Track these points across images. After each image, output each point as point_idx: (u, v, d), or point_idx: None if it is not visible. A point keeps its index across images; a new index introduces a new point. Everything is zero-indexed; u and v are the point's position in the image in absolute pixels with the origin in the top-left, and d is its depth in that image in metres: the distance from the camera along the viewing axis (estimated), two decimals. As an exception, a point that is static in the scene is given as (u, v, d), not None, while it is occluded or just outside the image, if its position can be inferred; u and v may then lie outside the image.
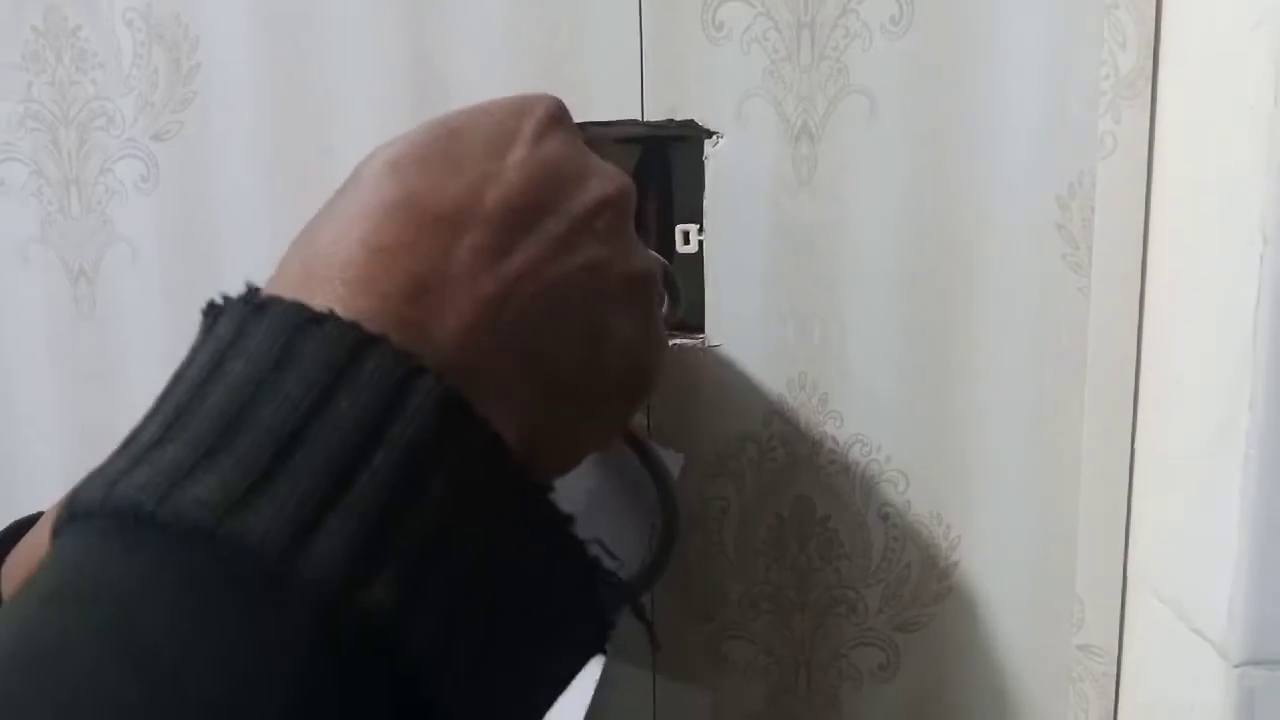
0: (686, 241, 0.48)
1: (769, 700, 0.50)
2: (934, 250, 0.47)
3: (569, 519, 0.27)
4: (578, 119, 0.46)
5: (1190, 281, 0.43)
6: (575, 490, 0.42)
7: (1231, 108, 0.39)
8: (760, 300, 0.48)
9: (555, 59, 0.46)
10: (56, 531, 0.24)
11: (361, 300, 0.26)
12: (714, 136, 0.47)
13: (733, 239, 0.47)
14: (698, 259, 0.48)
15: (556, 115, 0.33)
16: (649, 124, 0.47)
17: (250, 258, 0.48)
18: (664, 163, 0.53)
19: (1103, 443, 0.47)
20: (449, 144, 0.30)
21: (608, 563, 0.29)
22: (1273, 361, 0.37)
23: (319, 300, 0.26)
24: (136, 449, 0.24)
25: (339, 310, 0.25)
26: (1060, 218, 0.46)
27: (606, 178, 0.32)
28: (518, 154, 0.30)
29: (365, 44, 0.46)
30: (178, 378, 0.26)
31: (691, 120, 0.47)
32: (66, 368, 0.49)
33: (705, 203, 0.47)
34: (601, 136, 0.51)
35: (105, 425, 0.49)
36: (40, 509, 0.49)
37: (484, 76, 0.46)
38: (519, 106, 0.32)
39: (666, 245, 0.48)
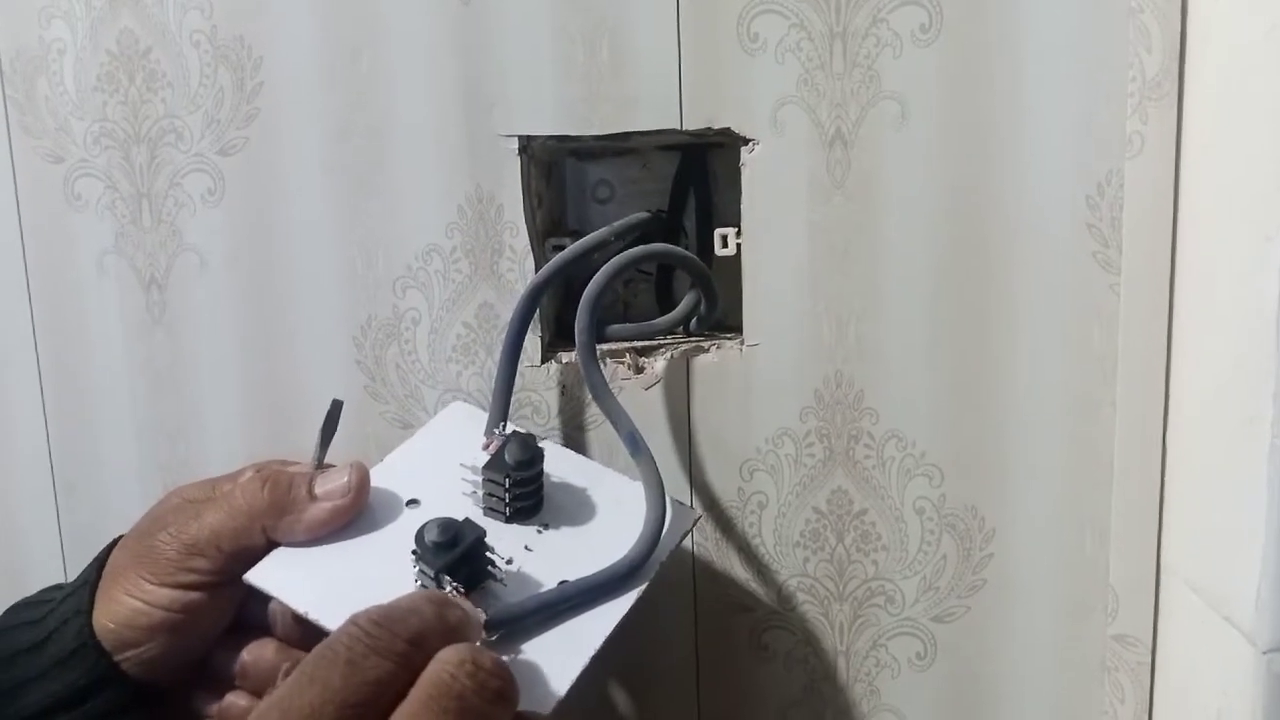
0: (725, 245, 0.50)
1: (808, 688, 0.51)
2: (966, 249, 0.48)
3: None
4: (621, 129, 0.49)
5: (1217, 277, 0.43)
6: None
7: (1252, 108, 0.40)
8: (797, 300, 0.49)
9: (598, 73, 0.48)
10: None
11: None
12: (750, 143, 0.48)
13: (770, 242, 0.49)
14: (735, 261, 0.50)
15: None
16: (688, 132, 0.49)
17: (310, 264, 0.51)
18: (702, 169, 0.54)
19: (1135, 436, 0.48)
20: None
21: None
22: (1297, 354, 0.37)
23: None
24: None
25: None
26: (1090, 217, 0.47)
27: None
28: None
29: (418, 63, 0.49)
30: None
31: (729, 128, 0.48)
32: (140, 370, 0.52)
33: (743, 207, 0.49)
34: (644, 145, 0.53)
35: (176, 423, 0.52)
36: (118, 503, 0.53)
37: (530, 93, 0.48)
38: None
39: (705, 249, 0.49)
